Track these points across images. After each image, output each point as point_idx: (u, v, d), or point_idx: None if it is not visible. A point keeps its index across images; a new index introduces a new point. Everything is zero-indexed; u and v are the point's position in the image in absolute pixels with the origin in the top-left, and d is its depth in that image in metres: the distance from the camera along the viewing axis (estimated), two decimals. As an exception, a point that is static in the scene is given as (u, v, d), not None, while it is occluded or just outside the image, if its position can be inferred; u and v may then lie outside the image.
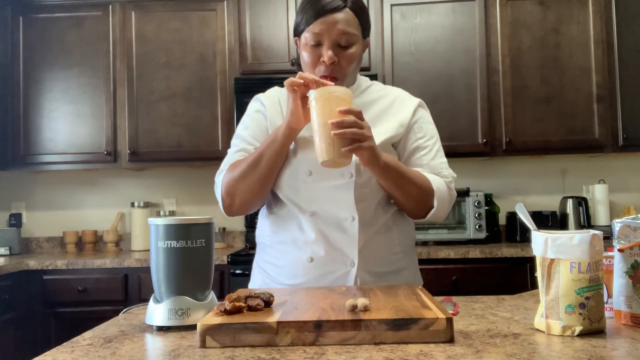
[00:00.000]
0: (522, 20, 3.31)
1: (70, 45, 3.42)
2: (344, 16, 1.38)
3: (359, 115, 1.24)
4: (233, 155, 1.48)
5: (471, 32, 3.30)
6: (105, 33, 3.42)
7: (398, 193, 1.41)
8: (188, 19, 3.40)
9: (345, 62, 1.41)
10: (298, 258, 1.43)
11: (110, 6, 3.42)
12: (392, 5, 3.32)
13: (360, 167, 1.38)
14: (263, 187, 1.41)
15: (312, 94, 1.26)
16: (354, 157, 1.30)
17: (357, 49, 1.42)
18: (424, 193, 1.41)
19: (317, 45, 1.39)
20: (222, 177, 1.45)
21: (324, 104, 1.24)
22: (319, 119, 1.24)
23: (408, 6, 3.33)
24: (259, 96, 1.57)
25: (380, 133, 1.44)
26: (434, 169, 1.46)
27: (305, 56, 1.42)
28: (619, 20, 3.27)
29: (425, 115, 1.54)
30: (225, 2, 3.39)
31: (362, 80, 1.56)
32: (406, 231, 1.52)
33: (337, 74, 1.40)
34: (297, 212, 1.43)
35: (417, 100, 1.54)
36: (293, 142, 1.42)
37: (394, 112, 1.49)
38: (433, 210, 1.42)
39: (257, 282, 1.54)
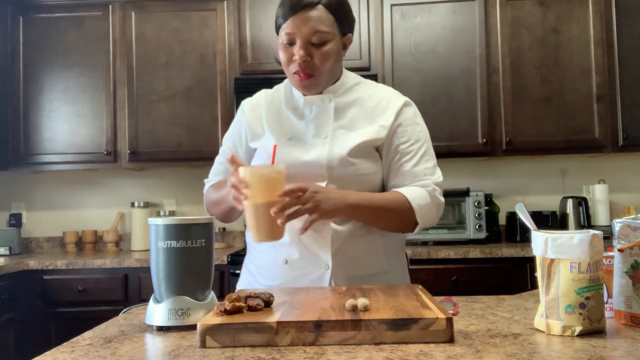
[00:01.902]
0: (522, 20, 3.30)
1: (70, 45, 3.42)
2: (317, 14, 1.36)
3: (296, 193, 1.24)
4: (217, 167, 1.59)
5: (471, 32, 3.30)
6: (105, 33, 3.41)
7: (375, 224, 1.42)
8: (188, 19, 3.40)
9: (319, 60, 1.38)
10: (275, 259, 1.44)
11: (110, 6, 3.42)
12: (392, 5, 3.32)
13: (333, 170, 1.38)
14: (230, 217, 1.51)
15: (242, 173, 1.23)
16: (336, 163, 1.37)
17: (332, 47, 1.39)
18: (403, 216, 1.39)
19: (291, 44, 1.39)
20: (205, 190, 1.59)
21: (252, 187, 1.22)
22: (248, 201, 1.23)
23: (408, 6, 3.32)
24: (243, 102, 1.58)
25: (359, 136, 1.41)
26: (417, 175, 1.42)
27: (281, 55, 1.42)
28: (619, 20, 3.27)
29: (411, 116, 1.47)
30: (225, 2, 3.39)
31: (349, 77, 1.51)
32: (391, 234, 1.47)
33: (311, 71, 1.39)
34: None
35: (402, 100, 1.48)
36: (272, 148, 1.38)
37: (378, 114, 1.45)
38: (419, 226, 1.41)
39: (243, 282, 1.56)
